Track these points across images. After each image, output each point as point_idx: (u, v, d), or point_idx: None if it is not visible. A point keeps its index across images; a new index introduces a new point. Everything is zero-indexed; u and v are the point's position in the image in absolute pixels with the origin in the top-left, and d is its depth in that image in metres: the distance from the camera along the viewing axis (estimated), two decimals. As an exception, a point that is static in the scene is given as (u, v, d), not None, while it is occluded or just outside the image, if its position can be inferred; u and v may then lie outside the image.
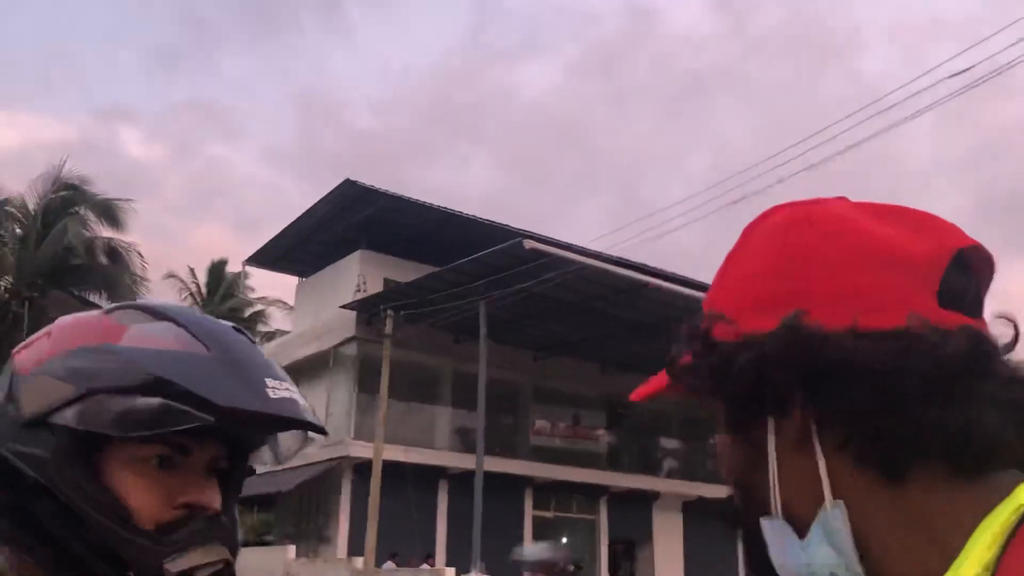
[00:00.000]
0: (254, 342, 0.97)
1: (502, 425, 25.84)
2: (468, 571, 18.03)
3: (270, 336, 36.09)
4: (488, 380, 20.05)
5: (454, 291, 20.01)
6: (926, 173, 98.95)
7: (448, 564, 19.42)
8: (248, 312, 37.26)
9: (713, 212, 27.71)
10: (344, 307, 23.31)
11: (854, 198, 0.67)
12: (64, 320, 0.98)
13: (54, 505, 0.88)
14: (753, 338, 0.59)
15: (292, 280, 31.21)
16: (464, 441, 24.33)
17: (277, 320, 38.41)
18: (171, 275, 36.40)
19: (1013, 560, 0.51)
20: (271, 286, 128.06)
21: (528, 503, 25.38)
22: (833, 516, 0.57)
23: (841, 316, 0.57)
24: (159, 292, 52.07)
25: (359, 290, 24.31)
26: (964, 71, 13.88)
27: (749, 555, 0.64)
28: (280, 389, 0.91)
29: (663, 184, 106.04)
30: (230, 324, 0.98)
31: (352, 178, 23.09)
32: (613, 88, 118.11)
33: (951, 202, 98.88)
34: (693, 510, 28.18)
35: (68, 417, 0.87)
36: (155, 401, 0.85)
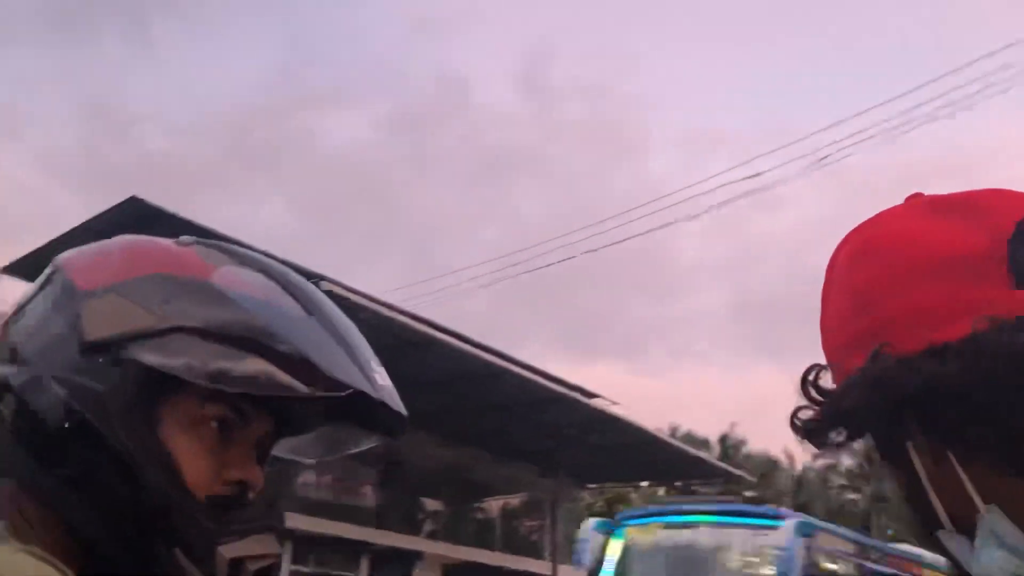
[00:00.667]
0: None
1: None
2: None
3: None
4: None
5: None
6: (695, 270, 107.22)
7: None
8: (-9, 327, 33.83)
9: (499, 282, 28.50)
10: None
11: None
12: (132, 239, 0.86)
13: (101, 453, 0.72)
14: (851, 379, 0.61)
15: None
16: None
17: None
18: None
19: None
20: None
21: (286, 557, 24.29)
22: (991, 521, 0.57)
23: (917, 337, 0.58)
24: None
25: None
26: (732, 182, 15.28)
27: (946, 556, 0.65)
28: (384, 376, 0.84)
29: (457, 249, 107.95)
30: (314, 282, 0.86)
31: (139, 196, 21.76)
32: (418, 150, 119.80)
33: (711, 296, 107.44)
34: (452, 573, 28.12)
35: (143, 351, 0.73)
36: (263, 359, 0.74)
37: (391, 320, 19.45)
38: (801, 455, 46.83)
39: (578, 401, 24.97)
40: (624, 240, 21.15)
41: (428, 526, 29.91)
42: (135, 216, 22.47)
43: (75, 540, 0.72)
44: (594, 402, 28.32)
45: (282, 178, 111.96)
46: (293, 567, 24.44)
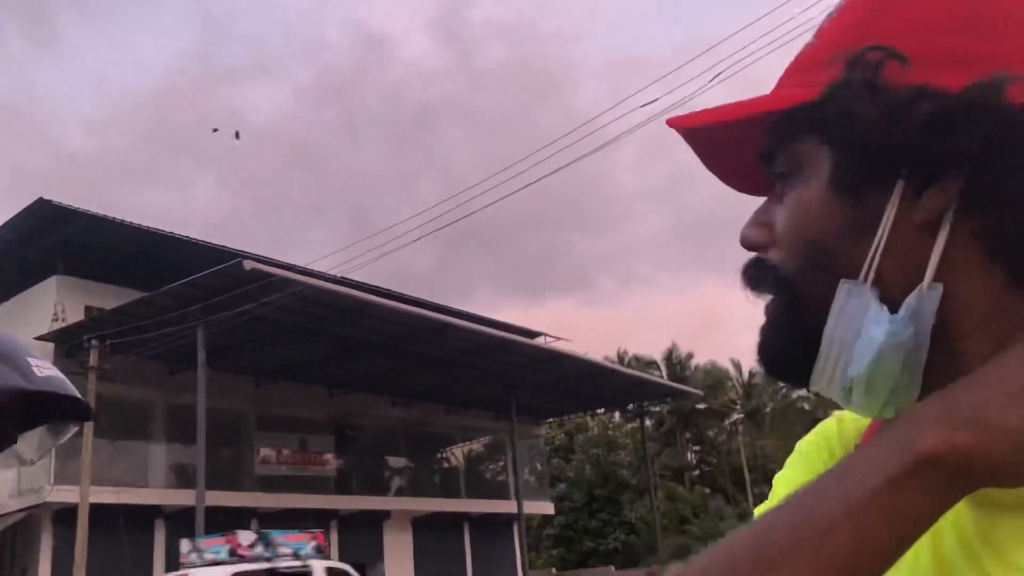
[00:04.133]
0: None
1: (224, 457, 24.65)
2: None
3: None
4: (208, 410, 19.08)
5: (167, 317, 18.84)
6: (631, 197, 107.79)
7: (168, 609, 18.16)
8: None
9: (439, 230, 28.33)
10: (39, 338, 21.11)
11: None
12: None
13: None
14: (939, 91, 0.51)
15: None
16: (182, 477, 22.93)
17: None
18: None
19: None
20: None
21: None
22: (929, 299, 0.52)
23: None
24: None
25: (56, 319, 22.17)
26: (654, 101, 15.40)
27: (779, 320, 0.58)
28: (46, 368, 0.90)
29: (394, 209, 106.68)
30: None
31: (47, 197, 21.08)
32: (344, 114, 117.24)
33: (652, 223, 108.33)
34: (423, 526, 28.54)
35: None
36: None
37: (322, 290, 19.32)
38: (747, 363, 47.99)
39: (522, 343, 25.22)
40: (558, 170, 21.22)
41: (395, 483, 30.17)
42: (46, 219, 21.83)
43: None
44: (538, 341, 28.64)
45: (211, 159, 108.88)
46: (263, 544, 24.55)
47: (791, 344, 0.58)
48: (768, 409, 49.62)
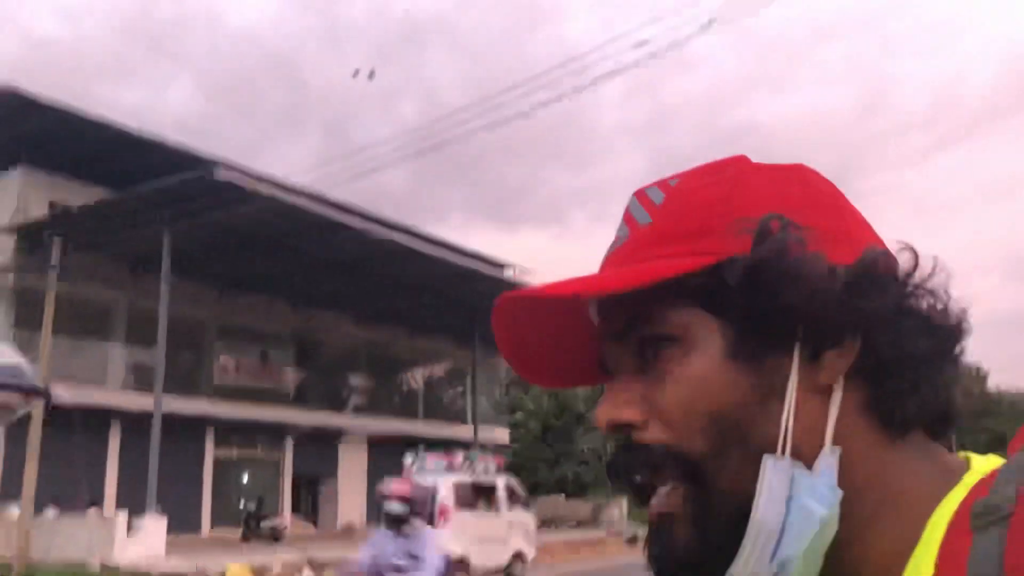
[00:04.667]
0: None
1: (183, 363, 24.61)
2: (142, 515, 17.15)
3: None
4: (170, 316, 18.96)
5: (134, 219, 18.54)
6: (613, 134, 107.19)
7: (120, 509, 18.29)
8: None
9: (416, 154, 27.98)
10: (-1, 230, 20.74)
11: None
12: None
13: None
14: (836, 267, 0.53)
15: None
16: (140, 380, 22.87)
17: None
18: None
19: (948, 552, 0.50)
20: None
21: (209, 443, 24.52)
22: (828, 464, 0.52)
23: (888, 266, 0.55)
24: None
25: (19, 212, 21.73)
26: (645, 43, 15.17)
27: (698, 513, 0.55)
28: (2, 354, 0.84)
29: (372, 126, 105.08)
30: None
31: (16, 86, 20.41)
32: (327, 25, 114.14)
33: (629, 162, 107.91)
34: (377, 445, 28.87)
35: None
36: None
37: (294, 206, 19.09)
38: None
39: (488, 276, 25.23)
40: (544, 105, 20.95)
41: (352, 402, 30.38)
42: (13, 108, 21.17)
43: None
44: (506, 272, 28.68)
45: (187, 59, 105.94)
46: (217, 451, 24.73)
47: (716, 541, 0.54)
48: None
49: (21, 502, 16.49)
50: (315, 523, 27.79)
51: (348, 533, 26.95)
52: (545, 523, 34.00)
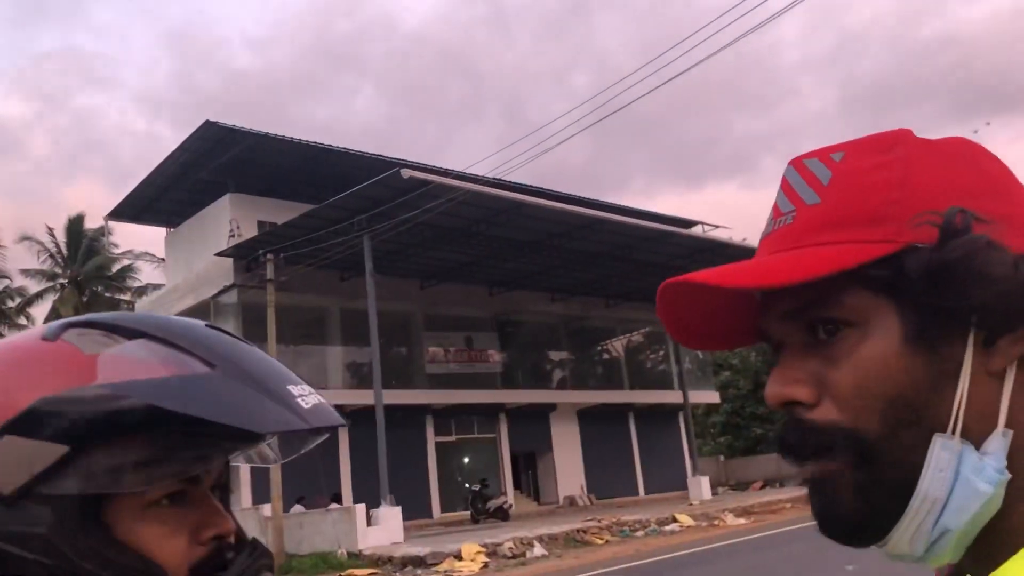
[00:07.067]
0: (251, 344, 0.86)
1: (396, 356, 25.83)
2: (378, 505, 18.17)
3: (141, 291, 34.63)
4: (378, 313, 19.91)
5: (334, 228, 19.59)
6: (795, 71, 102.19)
7: (357, 501, 19.50)
8: (115, 268, 35.58)
9: (592, 126, 27.85)
10: (219, 254, 22.50)
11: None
12: (4, 355, 0.77)
13: None
14: (1020, 261, 0.54)
15: (161, 232, 29.86)
16: (358, 377, 24.22)
17: (147, 274, 36.85)
18: (26, 237, 34.26)
19: None
20: (139, 240, 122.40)
21: (430, 430, 25.63)
22: (998, 446, 0.54)
23: None
24: (16, 258, 48.81)
25: (233, 235, 23.49)
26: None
27: (865, 484, 0.56)
28: (308, 396, 0.80)
29: (548, 104, 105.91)
30: (212, 326, 0.82)
31: (213, 119, 22.07)
32: (493, 10, 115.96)
33: (818, 98, 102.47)
34: (587, 416, 29.14)
35: (65, 482, 0.71)
36: (174, 441, 0.73)
37: (477, 193, 19.48)
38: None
39: (679, 233, 24.73)
40: (715, 53, 20.21)
41: (557, 376, 30.80)
42: (213, 140, 22.89)
43: None
44: (695, 230, 28.00)
45: (368, 68, 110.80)
46: (437, 438, 25.81)
47: (880, 508, 0.56)
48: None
49: (272, 502, 17.94)
50: (537, 499, 28.47)
51: (570, 507, 27.41)
52: (768, 483, 33.13)
